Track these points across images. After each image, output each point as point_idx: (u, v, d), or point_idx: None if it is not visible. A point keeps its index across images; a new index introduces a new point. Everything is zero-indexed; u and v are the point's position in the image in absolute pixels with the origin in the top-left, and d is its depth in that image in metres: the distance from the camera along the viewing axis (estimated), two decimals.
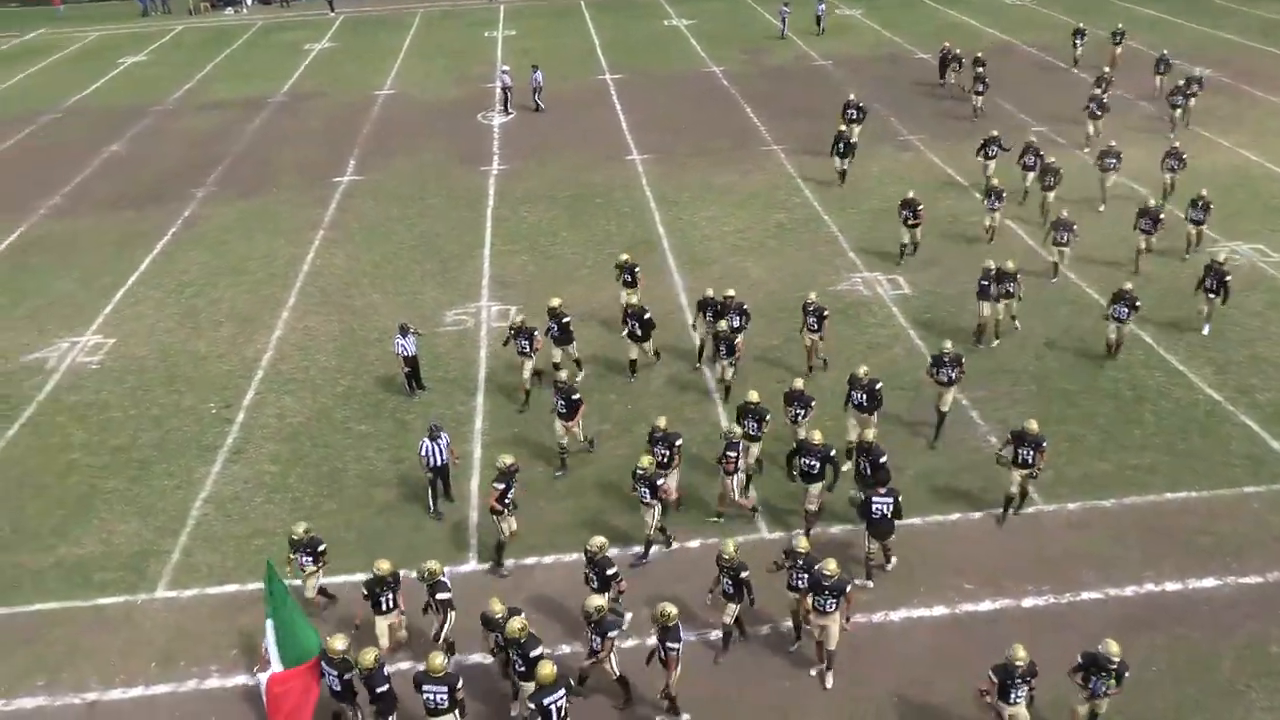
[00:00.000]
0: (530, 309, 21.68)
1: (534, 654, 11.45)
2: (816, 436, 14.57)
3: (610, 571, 12.72)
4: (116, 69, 45.61)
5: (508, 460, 14.16)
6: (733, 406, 16.99)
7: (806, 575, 12.45)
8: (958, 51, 35.61)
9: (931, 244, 23.92)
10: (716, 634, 13.19)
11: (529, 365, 18.16)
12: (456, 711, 11.34)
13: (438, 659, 11.23)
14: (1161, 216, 22.12)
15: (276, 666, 12.02)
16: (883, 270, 22.94)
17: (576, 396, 16.21)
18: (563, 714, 10.94)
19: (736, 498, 15.21)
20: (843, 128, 28.13)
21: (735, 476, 15.01)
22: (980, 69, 32.82)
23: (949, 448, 16.89)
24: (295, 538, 13.54)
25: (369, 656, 11.31)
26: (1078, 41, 37.70)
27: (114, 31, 53.93)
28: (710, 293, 19.07)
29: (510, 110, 35.90)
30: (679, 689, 12.01)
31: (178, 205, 28.83)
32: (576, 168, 30.32)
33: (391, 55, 45.34)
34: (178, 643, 13.62)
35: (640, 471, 14.06)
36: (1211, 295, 19.55)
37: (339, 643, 11.64)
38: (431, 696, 11.16)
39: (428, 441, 15.37)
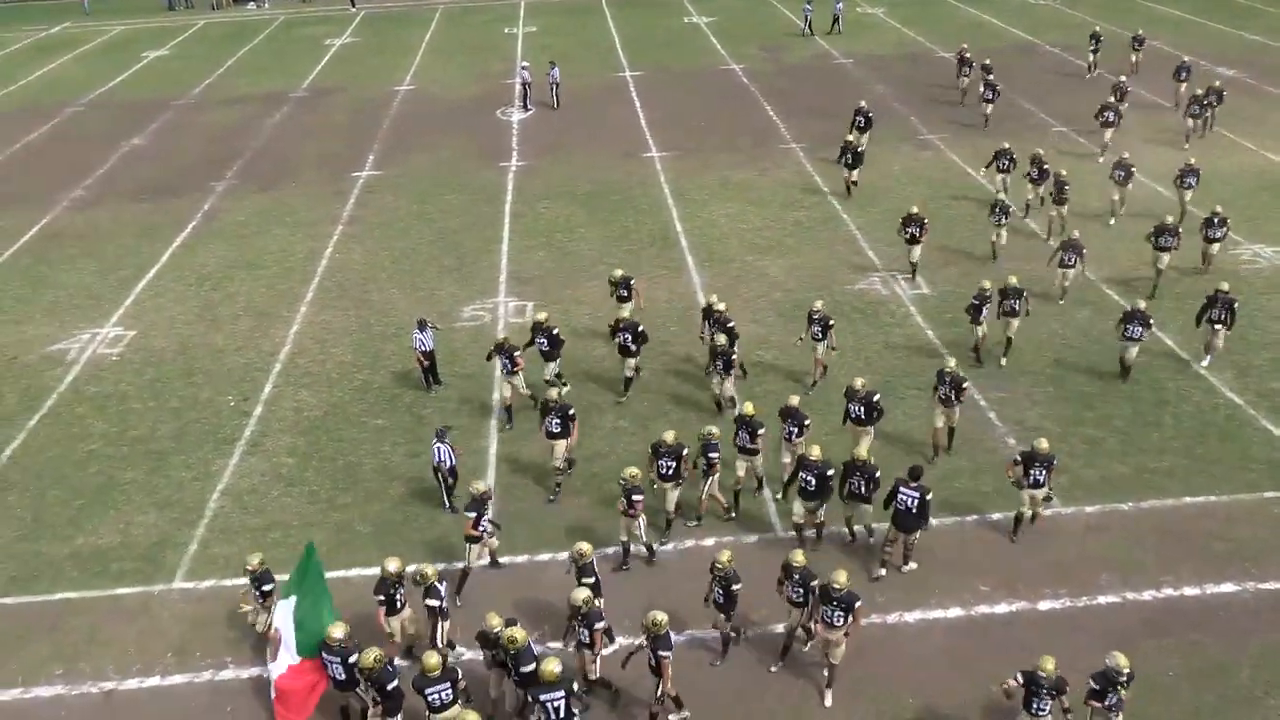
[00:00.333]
0: (547, 305, 21.76)
1: (525, 669, 11.27)
2: (815, 452, 14.17)
3: (588, 580, 12.54)
4: (140, 63, 45.94)
5: (480, 487, 13.86)
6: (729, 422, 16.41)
7: (802, 589, 12.32)
8: (968, 55, 34.76)
9: (951, 243, 23.81)
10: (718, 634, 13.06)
11: (511, 384, 17.61)
12: (461, 700, 11.35)
13: (433, 658, 11.21)
14: (1179, 233, 21.21)
15: (289, 652, 12.11)
16: (901, 269, 22.81)
17: (572, 412, 15.75)
18: (560, 714, 10.88)
19: (716, 494, 15.13)
20: (850, 137, 27.62)
21: (713, 478, 14.89)
22: (989, 75, 31.97)
23: (967, 449, 16.79)
24: (250, 568, 12.83)
25: (370, 656, 11.27)
26: (1094, 46, 36.69)
27: (138, 26, 54.34)
28: (715, 298, 18.75)
29: (530, 106, 35.95)
30: (677, 690, 11.90)
31: (198, 199, 29.01)
32: (595, 164, 30.33)
33: (412, 51, 45.48)
34: (194, 634, 13.70)
35: (623, 482, 13.87)
36: (1217, 326, 18.38)
37: (338, 630, 11.69)
38: (436, 695, 11.17)
39: (436, 442, 15.42)
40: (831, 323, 18.14)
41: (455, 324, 21.38)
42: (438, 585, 12.45)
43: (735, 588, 12.33)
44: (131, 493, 16.65)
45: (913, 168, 29.02)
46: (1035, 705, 10.98)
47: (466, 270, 23.98)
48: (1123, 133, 29.36)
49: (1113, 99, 29.48)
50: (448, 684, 11.21)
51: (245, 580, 13.05)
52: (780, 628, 13.02)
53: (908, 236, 22.01)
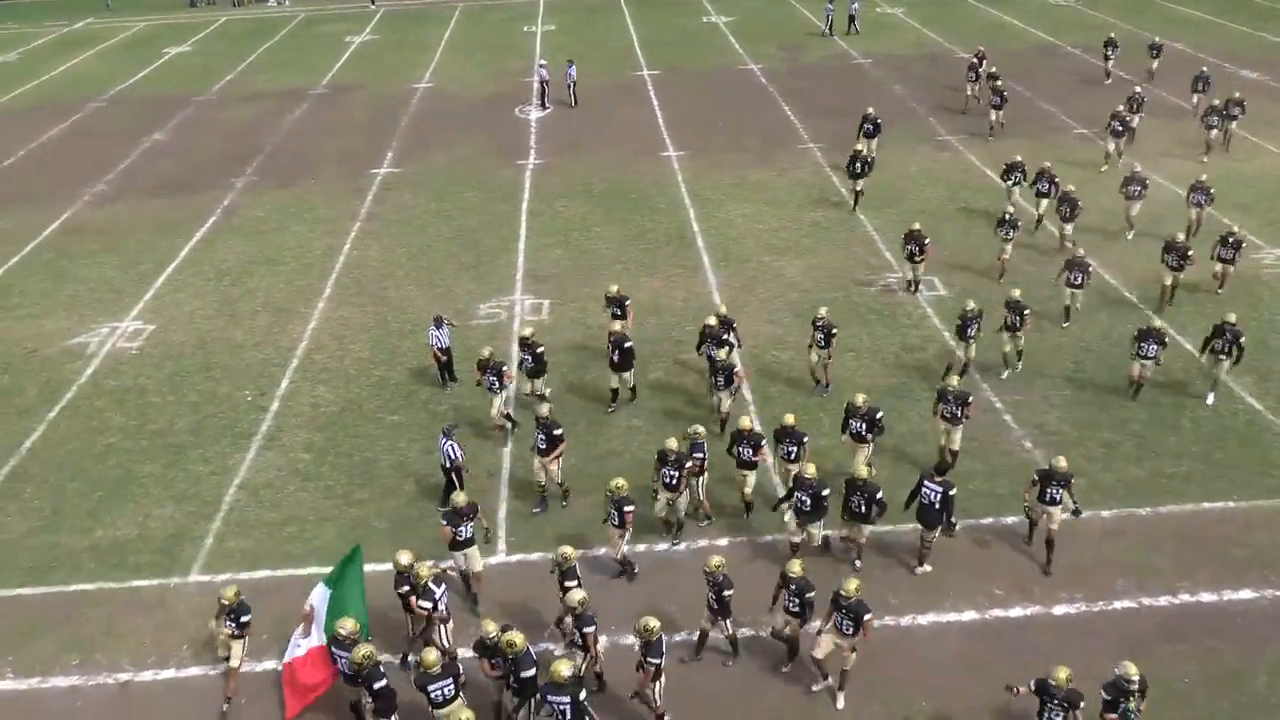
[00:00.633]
0: (563, 303, 21.80)
1: (525, 674, 11.18)
2: (810, 470, 13.96)
3: (570, 584, 12.40)
4: (161, 59, 46.23)
5: (460, 500, 13.56)
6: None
7: (799, 600, 12.22)
8: (975, 60, 34.15)
9: (970, 244, 23.70)
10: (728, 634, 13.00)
11: (498, 401, 17.16)
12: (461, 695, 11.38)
13: (431, 654, 11.23)
14: (1190, 253, 20.18)
15: (319, 631, 12.25)
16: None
17: (558, 432, 15.32)
18: (565, 716, 10.83)
19: (701, 497, 15.08)
20: (859, 146, 26.80)
21: (701, 478, 14.82)
22: (997, 83, 31.25)
23: (982, 452, 16.73)
24: (225, 601, 12.34)
25: (359, 653, 11.28)
26: (1109, 53, 35.68)
27: (160, 22, 54.68)
28: (713, 320, 18.00)
29: (548, 105, 36.00)
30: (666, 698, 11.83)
31: (217, 194, 29.18)
32: (612, 163, 30.35)
33: (431, 49, 45.61)
34: (209, 627, 13.77)
35: (609, 494, 13.78)
36: (1223, 358, 17.45)
37: (346, 626, 11.73)
38: (439, 692, 11.19)
39: (444, 440, 15.41)
40: (835, 331, 17.88)
41: (471, 321, 21.44)
42: (432, 587, 12.34)
43: (727, 593, 12.23)
44: (149, 486, 16.77)
45: (930, 169, 28.92)
46: (1047, 717, 10.84)
47: (483, 268, 24.04)
48: (1140, 142, 29.06)
49: (1122, 108, 28.47)
50: (449, 680, 11.22)
51: (220, 616, 12.45)
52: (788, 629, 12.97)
53: (907, 254, 21.45)
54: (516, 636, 11.23)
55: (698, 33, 47.01)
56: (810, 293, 22.02)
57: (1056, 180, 23.77)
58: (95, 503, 16.40)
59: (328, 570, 13.44)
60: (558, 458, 15.46)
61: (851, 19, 44.90)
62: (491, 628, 11.56)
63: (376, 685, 11.26)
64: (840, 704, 12.30)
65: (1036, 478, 14.09)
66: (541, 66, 36.73)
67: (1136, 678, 10.72)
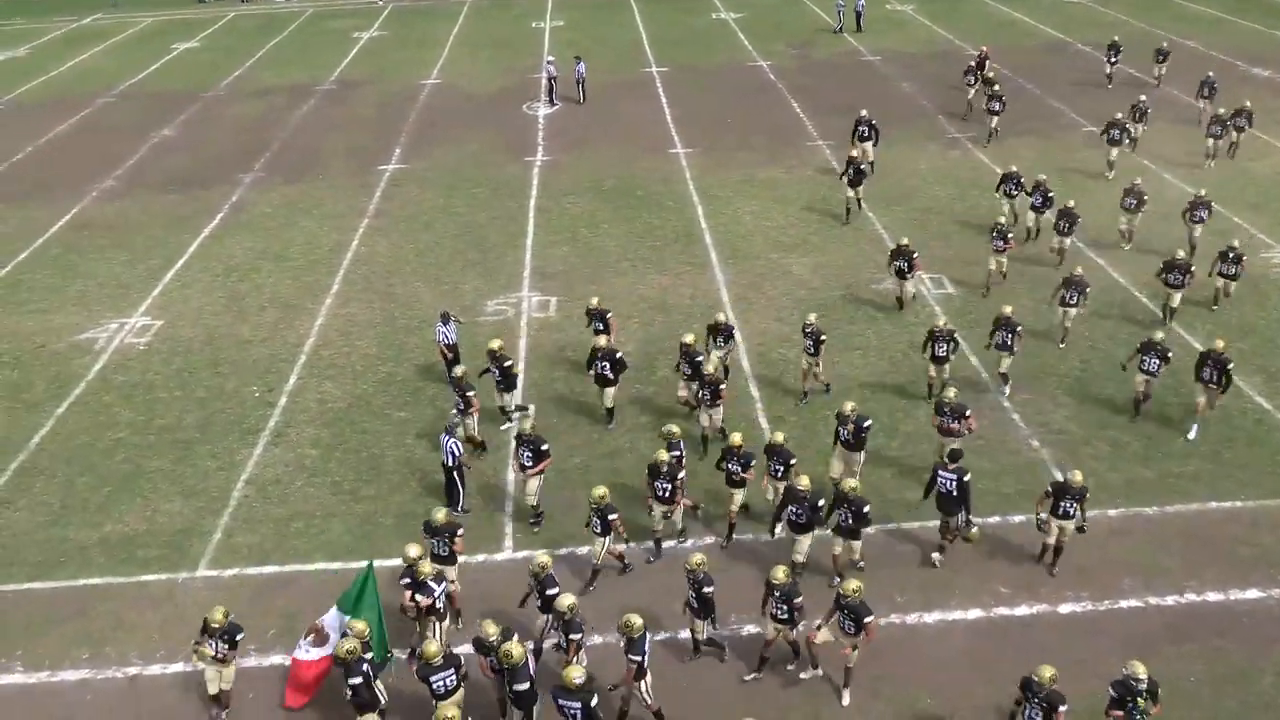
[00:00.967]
0: (570, 300, 21.81)
1: (519, 687, 11.06)
2: (803, 482, 13.64)
3: (551, 592, 12.28)
4: (169, 54, 46.32)
5: (440, 516, 13.40)
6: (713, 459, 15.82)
7: (786, 606, 12.13)
8: (974, 64, 33.83)
9: (979, 244, 23.64)
10: (723, 633, 13.05)
11: (465, 425, 16.56)
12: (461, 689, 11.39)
13: (432, 646, 11.24)
14: (1192, 269, 19.71)
15: (330, 647, 12.18)
16: (926, 269, 22.63)
17: (545, 447, 15.01)
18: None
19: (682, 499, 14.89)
20: (855, 152, 26.32)
21: (679, 475, 14.57)
22: (995, 88, 30.65)
23: (989, 451, 16.70)
24: (215, 623, 11.94)
25: (343, 646, 11.30)
26: (1111, 57, 34.94)
27: (168, 17, 54.78)
28: (689, 338, 17.34)
29: (555, 101, 36.01)
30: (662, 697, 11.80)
31: (226, 190, 29.25)
32: (620, 160, 30.35)
33: (439, 45, 45.63)
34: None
35: (592, 503, 13.66)
36: (1212, 386, 16.63)
37: (357, 626, 11.74)
38: (441, 683, 11.21)
39: (446, 437, 15.40)
40: (824, 338, 17.60)
41: (479, 318, 21.46)
42: (430, 584, 12.37)
43: (707, 590, 12.15)
44: (158, 481, 16.84)
45: (940, 166, 28.86)
46: (1027, 714, 10.79)
47: (491, 264, 24.07)
48: (1146, 147, 28.88)
49: (1121, 115, 27.62)
50: (451, 671, 11.26)
51: (207, 639, 12.07)
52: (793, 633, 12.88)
53: (895, 270, 20.76)
54: (515, 648, 11.03)
55: (707, 29, 46.95)
56: (818, 290, 22.01)
57: (1051, 195, 23.05)
58: (104, 498, 16.47)
59: (334, 566, 13.48)
60: (540, 473, 15.15)
61: (857, 15, 44.81)
62: (491, 629, 11.46)
63: (351, 680, 11.25)
64: (845, 700, 12.32)
65: (1050, 490, 13.88)
66: (550, 63, 36.73)
67: (1145, 678, 10.70)
